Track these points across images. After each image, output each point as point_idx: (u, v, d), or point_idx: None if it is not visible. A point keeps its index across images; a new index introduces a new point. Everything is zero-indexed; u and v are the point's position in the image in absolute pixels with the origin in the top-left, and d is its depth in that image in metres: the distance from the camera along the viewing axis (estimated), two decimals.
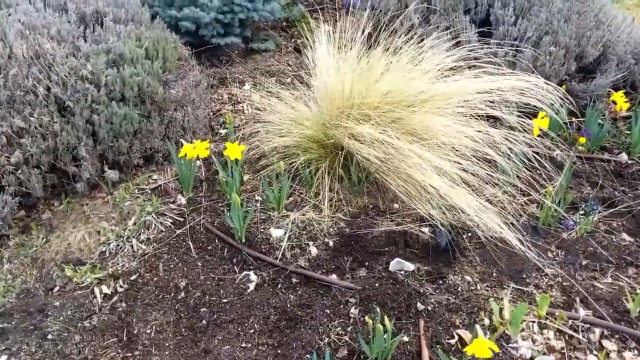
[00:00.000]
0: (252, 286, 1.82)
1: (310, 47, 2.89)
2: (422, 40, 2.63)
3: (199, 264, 1.95)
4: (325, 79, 2.47)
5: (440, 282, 1.81)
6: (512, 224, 1.96)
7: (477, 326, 1.49)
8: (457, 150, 2.05)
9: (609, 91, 2.74)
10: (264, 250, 1.98)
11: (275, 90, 3.27)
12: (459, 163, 1.99)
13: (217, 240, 2.05)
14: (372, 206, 2.18)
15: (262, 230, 2.07)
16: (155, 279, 1.88)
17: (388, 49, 2.62)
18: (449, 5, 3.25)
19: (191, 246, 2.02)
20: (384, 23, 3.49)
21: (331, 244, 1.98)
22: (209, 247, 2.02)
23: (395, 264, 1.84)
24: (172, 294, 1.82)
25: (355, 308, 1.72)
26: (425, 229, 2.02)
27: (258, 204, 2.22)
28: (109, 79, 2.15)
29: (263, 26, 4.06)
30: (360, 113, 2.24)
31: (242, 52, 3.83)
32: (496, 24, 2.99)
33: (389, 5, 3.63)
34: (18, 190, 1.99)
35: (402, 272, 1.84)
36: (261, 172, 2.39)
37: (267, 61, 3.79)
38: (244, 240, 2.01)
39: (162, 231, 2.08)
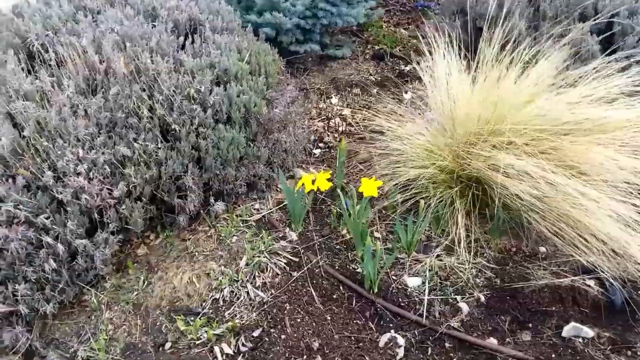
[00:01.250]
0: (401, 352, 1.54)
1: (405, 56, 2.60)
2: (536, 53, 2.33)
3: (327, 317, 1.67)
4: (452, 97, 2.18)
5: (630, 353, 1.50)
6: None
7: None
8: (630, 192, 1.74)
9: None
10: (402, 304, 1.69)
11: (364, 103, 2.99)
12: (635, 205, 1.68)
13: (341, 287, 1.78)
14: (514, 249, 1.89)
15: (393, 277, 1.79)
16: (282, 336, 1.61)
17: (512, 61, 2.31)
18: (561, 12, 2.93)
19: (314, 294, 1.75)
20: (476, 29, 3.18)
21: (482, 299, 1.69)
22: (334, 296, 1.75)
23: (570, 329, 1.54)
24: (306, 357, 1.55)
25: None
26: (591, 282, 1.72)
27: (378, 242, 1.94)
28: (216, 98, 1.88)
29: (335, 30, 3.77)
30: (500, 141, 1.94)
31: (317, 60, 3.55)
32: (622, 34, 2.66)
33: (481, 10, 3.30)
34: (118, 226, 1.74)
35: (580, 340, 1.54)
36: (376, 204, 2.11)
37: (345, 69, 3.51)
38: (375, 290, 1.73)
39: (277, 274, 1.82)
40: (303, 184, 1.84)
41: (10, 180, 1.55)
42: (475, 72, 2.40)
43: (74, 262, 1.63)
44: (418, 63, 3.52)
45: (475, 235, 1.92)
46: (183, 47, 2.05)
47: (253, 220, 2.05)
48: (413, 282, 1.76)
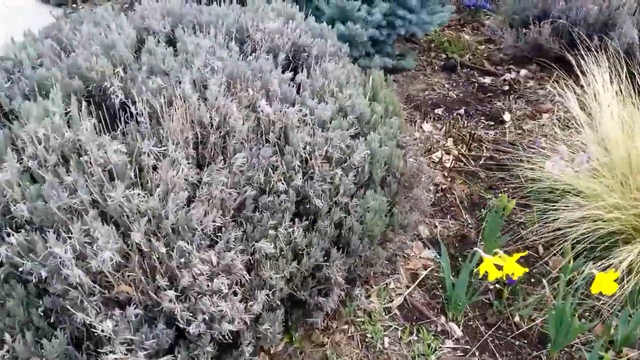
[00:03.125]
0: None
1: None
2: None
3: None
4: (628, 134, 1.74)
5: None
6: None
7: None
8: None
9: None
10: None
11: (460, 127, 2.49)
12: None
13: None
14: None
15: None
16: None
17: None
18: None
19: None
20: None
21: None
22: None
23: None
24: None
25: None
26: None
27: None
28: (361, 157, 1.40)
29: (397, 38, 3.30)
30: None
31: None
32: None
33: (577, 15, 2.87)
34: (253, 346, 1.25)
35: None
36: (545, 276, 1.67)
37: (414, 84, 3.04)
38: None
39: None
40: (486, 272, 1.38)
41: (117, 309, 1.04)
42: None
43: None
44: (500, 75, 3.07)
45: None
46: (292, 80, 1.55)
47: (395, 306, 1.58)
48: None
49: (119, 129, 1.27)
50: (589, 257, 1.68)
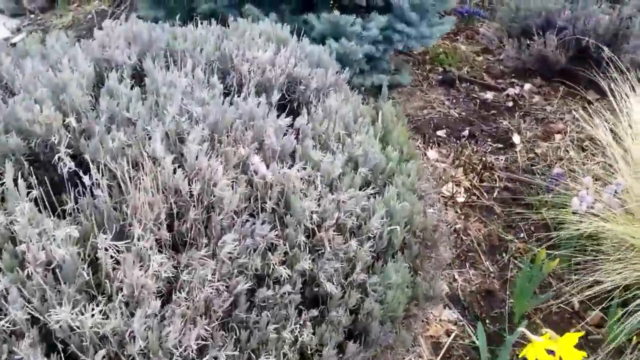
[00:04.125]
0: None
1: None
2: None
3: None
4: None
5: None
6: None
7: None
8: None
9: None
10: None
11: (468, 153, 2.21)
12: None
13: None
14: None
15: None
16: None
17: None
18: None
19: None
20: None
21: None
22: None
23: None
24: None
25: None
26: None
27: None
28: (379, 222, 1.13)
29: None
30: None
31: (373, 89, 2.79)
32: None
33: (585, 25, 2.65)
34: None
35: None
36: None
37: (412, 101, 2.78)
38: None
39: None
40: None
41: None
42: None
43: None
44: (503, 89, 2.85)
45: None
46: (291, 126, 1.26)
47: None
48: None
49: (68, 205, 0.97)
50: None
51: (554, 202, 1.94)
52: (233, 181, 1.03)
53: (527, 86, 2.87)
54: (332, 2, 2.38)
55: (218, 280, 0.93)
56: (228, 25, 1.59)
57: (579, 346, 1.43)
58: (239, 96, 1.24)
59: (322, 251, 1.06)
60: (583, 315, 1.59)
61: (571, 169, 2.25)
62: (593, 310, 1.59)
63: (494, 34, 3.37)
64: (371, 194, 1.17)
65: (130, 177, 0.98)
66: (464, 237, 1.88)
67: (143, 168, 0.99)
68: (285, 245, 1.02)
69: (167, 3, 2.48)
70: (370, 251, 1.13)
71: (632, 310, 1.41)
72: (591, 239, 1.64)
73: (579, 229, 1.63)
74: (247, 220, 1.01)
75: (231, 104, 1.20)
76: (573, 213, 1.75)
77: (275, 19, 2.23)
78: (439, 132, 2.51)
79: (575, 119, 2.54)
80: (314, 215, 1.06)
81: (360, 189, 1.17)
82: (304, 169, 1.11)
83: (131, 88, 1.21)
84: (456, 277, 1.71)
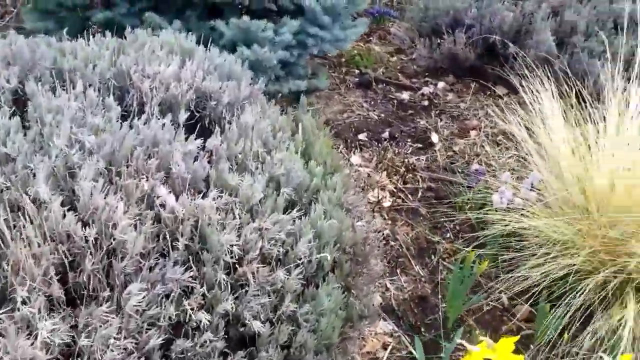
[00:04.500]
0: None
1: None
2: None
3: None
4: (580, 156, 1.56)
5: None
6: None
7: None
8: None
9: None
10: None
11: (390, 156, 2.18)
12: None
13: None
14: None
15: None
16: None
17: None
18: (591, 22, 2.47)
19: None
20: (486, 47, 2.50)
21: None
22: None
23: None
24: None
25: None
26: None
27: None
28: (306, 247, 1.05)
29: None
30: None
31: (290, 96, 2.71)
32: None
33: (491, 24, 2.74)
34: None
35: None
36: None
37: (330, 105, 2.75)
38: None
39: None
40: None
41: None
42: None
43: None
44: (418, 89, 2.88)
45: None
46: (202, 148, 1.15)
47: None
48: None
49: None
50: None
51: (476, 199, 1.96)
52: (137, 219, 0.90)
53: (441, 84, 2.92)
54: (240, 6, 2.27)
55: (125, 338, 0.80)
56: (126, 37, 1.44)
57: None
58: (139, 118, 1.11)
59: (246, 287, 0.96)
60: (513, 312, 1.61)
61: (488, 164, 2.31)
62: (522, 305, 1.61)
63: (405, 34, 3.41)
64: (297, 217, 1.08)
65: (9, 227, 0.83)
66: (392, 243, 1.85)
67: (25, 214, 0.84)
68: (202, 287, 0.91)
69: (57, 12, 2.25)
70: (299, 279, 1.05)
71: (559, 304, 1.44)
72: (515, 236, 1.67)
73: (504, 227, 1.65)
74: (157, 264, 0.89)
75: (131, 127, 1.07)
76: (496, 210, 1.78)
77: (179, 27, 2.09)
78: (360, 136, 2.49)
79: (488, 115, 2.61)
80: (235, 248, 0.95)
81: (284, 212, 1.09)
82: (220, 196, 1.00)
83: (10, 117, 1.05)
84: (388, 286, 1.67)
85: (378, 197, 2.03)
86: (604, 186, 1.52)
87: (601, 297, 1.45)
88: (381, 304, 1.61)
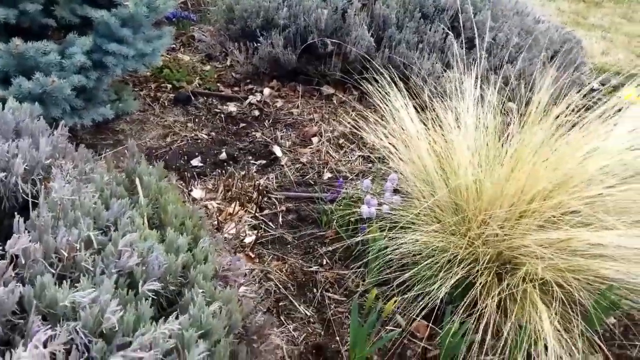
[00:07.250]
0: None
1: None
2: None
3: None
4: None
5: None
6: None
7: None
8: None
9: None
10: None
11: (231, 182, 1.87)
12: None
13: None
14: None
15: None
16: None
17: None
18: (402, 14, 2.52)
19: None
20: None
21: None
22: None
23: None
24: None
25: None
26: None
27: None
28: None
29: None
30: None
31: (91, 128, 2.20)
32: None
33: (312, 20, 2.64)
34: None
35: None
36: None
37: (147, 130, 2.37)
38: None
39: None
40: None
41: None
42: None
43: None
44: (244, 98, 2.62)
45: None
46: (2, 257, 0.73)
47: None
48: None
49: None
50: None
51: (340, 210, 1.81)
52: None
53: (267, 91, 2.71)
54: (6, 25, 1.72)
55: None
56: None
57: None
58: None
59: None
60: (415, 334, 1.49)
61: (338, 170, 2.18)
62: (423, 324, 1.50)
63: (212, 39, 3.12)
64: (173, 329, 0.74)
65: None
66: (267, 285, 1.58)
67: None
68: None
69: None
70: None
71: (460, 320, 1.35)
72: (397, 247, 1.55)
73: (382, 245, 1.51)
74: None
75: None
76: (368, 219, 1.65)
77: None
78: (193, 162, 2.14)
79: (324, 118, 2.50)
80: None
81: (155, 320, 0.74)
82: (46, 334, 0.62)
83: None
84: (279, 342, 1.40)
85: (237, 232, 1.73)
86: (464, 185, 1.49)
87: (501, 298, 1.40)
88: None
